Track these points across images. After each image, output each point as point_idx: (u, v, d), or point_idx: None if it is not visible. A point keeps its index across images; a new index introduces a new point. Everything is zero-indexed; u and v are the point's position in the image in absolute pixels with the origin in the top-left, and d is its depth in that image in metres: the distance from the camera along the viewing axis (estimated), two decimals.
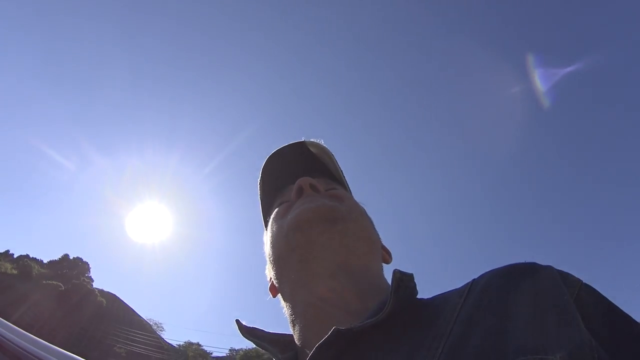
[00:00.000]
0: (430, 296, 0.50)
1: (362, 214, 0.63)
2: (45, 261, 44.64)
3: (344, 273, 0.54)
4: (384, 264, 0.65)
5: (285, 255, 0.58)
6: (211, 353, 44.87)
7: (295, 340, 0.55)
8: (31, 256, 43.40)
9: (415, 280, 0.50)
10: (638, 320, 0.38)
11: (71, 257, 46.55)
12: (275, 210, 0.64)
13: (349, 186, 0.72)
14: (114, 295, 46.91)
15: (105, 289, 46.43)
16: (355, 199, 0.69)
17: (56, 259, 45.73)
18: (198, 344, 44.57)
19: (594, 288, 0.41)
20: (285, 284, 0.59)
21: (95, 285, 45.12)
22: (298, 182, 0.62)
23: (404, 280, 0.47)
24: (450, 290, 0.47)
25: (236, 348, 44.86)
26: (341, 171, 0.70)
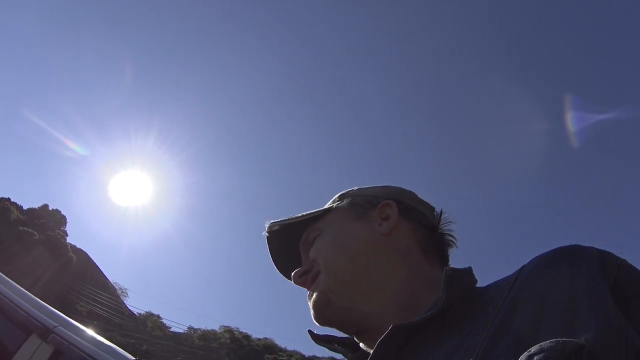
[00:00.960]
0: (488, 283, 0.52)
1: (334, 246, 0.62)
2: (25, 208, 44.89)
3: (375, 308, 0.57)
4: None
5: None
6: (170, 327, 45.14)
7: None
8: (12, 200, 43.65)
9: (472, 273, 0.54)
10: None
11: (50, 208, 46.89)
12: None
13: (323, 204, 0.72)
14: (85, 253, 47.13)
15: (78, 246, 46.80)
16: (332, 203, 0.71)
17: (35, 207, 46.02)
18: (158, 316, 44.98)
19: (635, 268, 0.41)
20: None
21: (69, 240, 45.51)
22: (293, 282, 0.66)
23: (457, 277, 0.51)
24: (504, 278, 0.49)
25: (195, 327, 45.38)
26: (306, 213, 0.70)
